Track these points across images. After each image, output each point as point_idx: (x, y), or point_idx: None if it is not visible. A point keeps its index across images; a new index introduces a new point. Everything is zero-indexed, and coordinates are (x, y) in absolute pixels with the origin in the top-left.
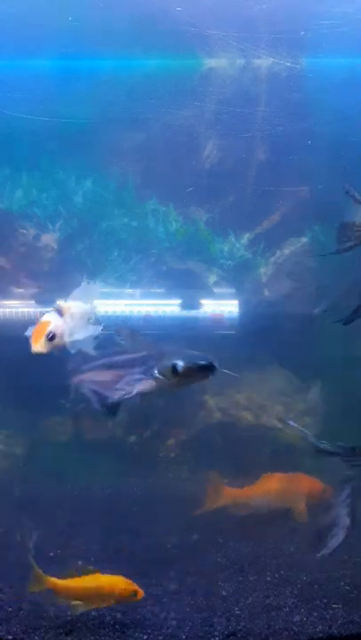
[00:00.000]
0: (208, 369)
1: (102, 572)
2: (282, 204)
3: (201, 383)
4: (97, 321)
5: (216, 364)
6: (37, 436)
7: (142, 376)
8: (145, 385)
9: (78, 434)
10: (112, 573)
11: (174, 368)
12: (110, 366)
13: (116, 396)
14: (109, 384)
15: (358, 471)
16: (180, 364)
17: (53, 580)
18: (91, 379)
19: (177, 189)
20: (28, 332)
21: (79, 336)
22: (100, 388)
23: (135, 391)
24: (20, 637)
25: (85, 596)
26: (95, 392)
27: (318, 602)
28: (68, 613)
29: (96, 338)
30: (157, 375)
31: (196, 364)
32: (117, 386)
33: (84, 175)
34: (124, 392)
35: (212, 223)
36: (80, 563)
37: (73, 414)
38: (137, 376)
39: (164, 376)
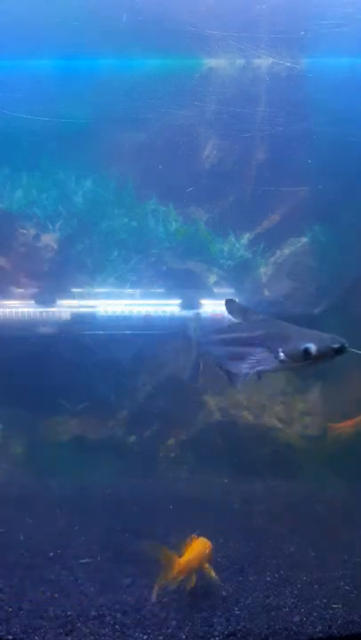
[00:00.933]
0: (340, 351)
1: (102, 572)
2: (282, 204)
3: (202, 383)
4: None
5: (347, 345)
6: (37, 435)
7: (265, 356)
8: (269, 365)
9: (78, 434)
10: (112, 573)
11: (306, 351)
12: (230, 342)
13: (241, 373)
14: (233, 359)
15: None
16: (313, 347)
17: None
18: (215, 352)
19: (177, 189)
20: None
21: None
22: (224, 362)
23: (258, 370)
24: (20, 637)
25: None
26: (220, 365)
27: (318, 602)
28: (69, 613)
29: None
30: (284, 357)
31: (329, 347)
32: (242, 364)
33: (84, 175)
34: (248, 370)
35: (212, 223)
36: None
37: (74, 414)
38: (259, 356)
39: (292, 359)
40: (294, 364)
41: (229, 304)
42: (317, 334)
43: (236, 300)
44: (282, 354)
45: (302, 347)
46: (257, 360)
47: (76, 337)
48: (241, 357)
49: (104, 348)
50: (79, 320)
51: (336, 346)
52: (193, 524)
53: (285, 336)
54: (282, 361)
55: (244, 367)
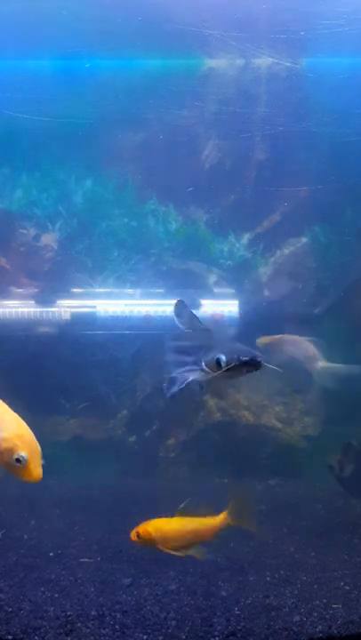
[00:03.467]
0: (251, 364)
1: (102, 572)
2: (282, 204)
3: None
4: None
5: (261, 360)
6: (37, 435)
7: (194, 366)
8: (195, 375)
9: (78, 434)
10: (112, 573)
11: (218, 361)
12: (177, 350)
13: (174, 384)
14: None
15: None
16: (223, 358)
17: None
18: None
19: (177, 189)
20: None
21: None
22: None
23: (186, 381)
24: (20, 637)
25: None
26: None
27: (318, 602)
28: (69, 613)
29: None
30: (204, 367)
31: (238, 359)
32: (176, 374)
33: (84, 175)
34: (180, 381)
35: (212, 223)
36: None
37: (74, 414)
38: (189, 366)
39: (209, 368)
40: (213, 373)
41: (178, 307)
42: (236, 348)
43: (185, 303)
44: (203, 364)
45: (215, 357)
46: (187, 369)
47: (76, 337)
48: (180, 365)
49: (104, 347)
50: (79, 320)
51: (244, 359)
52: None
53: (209, 347)
54: (202, 370)
55: (179, 375)
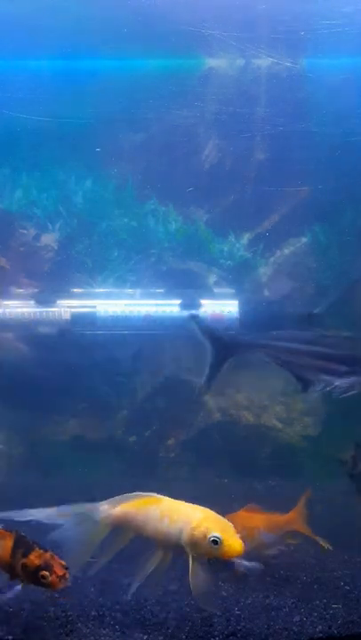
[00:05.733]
0: None
1: (102, 572)
2: (282, 204)
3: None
4: None
5: None
6: (37, 436)
7: (354, 377)
8: (355, 385)
9: (78, 434)
10: (112, 573)
11: None
12: (308, 353)
13: (318, 383)
14: (306, 367)
15: None
16: None
17: None
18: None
19: (177, 189)
20: None
21: None
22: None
23: (337, 385)
24: (20, 637)
25: None
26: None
27: (318, 602)
28: (69, 613)
29: None
30: None
31: None
32: (324, 376)
33: (84, 175)
34: (326, 383)
35: (212, 223)
36: None
37: (74, 414)
38: (344, 375)
39: None
40: None
41: (191, 320)
42: None
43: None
44: None
45: None
46: (350, 382)
47: (76, 337)
48: (319, 369)
49: (104, 347)
50: (79, 320)
51: None
52: None
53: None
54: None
55: (324, 379)
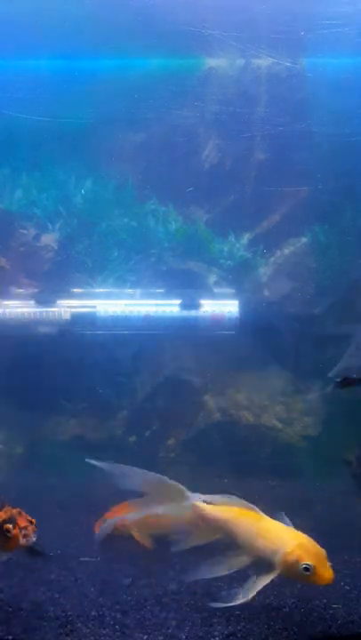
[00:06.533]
0: None
1: (102, 572)
2: (282, 204)
3: (202, 383)
4: None
5: None
6: (37, 435)
7: None
8: None
9: (78, 434)
10: (112, 573)
11: None
12: None
13: None
14: None
15: None
16: None
17: None
18: None
19: (177, 189)
20: None
21: None
22: None
23: None
24: (20, 637)
25: None
26: None
27: (318, 602)
28: (69, 613)
29: None
30: None
31: None
32: None
33: (84, 175)
34: None
35: (212, 223)
36: None
37: (74, 414)
38: None
39: None
40: None
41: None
42: None
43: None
44: None
45: None
46: None
47: (76, 337)
48: None
49: (104, 347)
50: (79, 320)
51: None
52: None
53: None
54: None
55: None
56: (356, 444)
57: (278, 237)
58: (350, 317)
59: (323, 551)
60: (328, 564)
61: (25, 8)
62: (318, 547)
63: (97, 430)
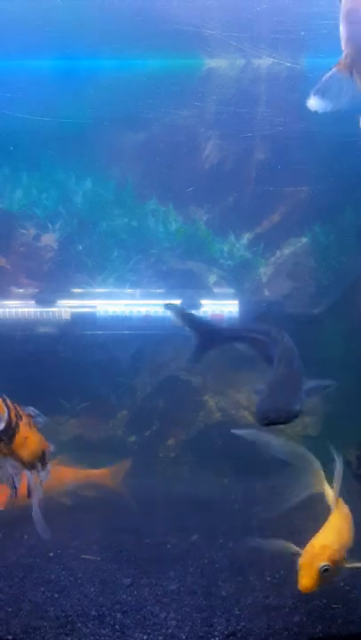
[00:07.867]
0: None
1: (102, 572)
2: (282, 204)
3: (202, 383)
4: None
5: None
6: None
7: None
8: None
9: (78, 434)
10: (112, 573)
11: None
12: None
13: None
14: None
15: None
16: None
17: None
18: None
19: (177, 189)
20: None
21: None
22: None
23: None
24: (20, 637)
25: None
26: None
27: (318, 602)
28: (69, 613)
29: None
30: None
31: None
32: None
33: (84, 175)
34: None
35: (212, 223)
36: None
37: (74, 414)
38: None
39: None
40: None
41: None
42: None
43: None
44: None
45: None
46: None
47: (76, 337)
48: None
49: (104, 347)
50: (79, 320)
51: None
52: (193, 524)
53: None
54: None
55: None
56: (357, 443)
57: (278, 237)
58: (350, 317)
59: (315, 559)
60: (314, 575)
61: (25, 8)
62: (315, 550)
63: (97, 430)
